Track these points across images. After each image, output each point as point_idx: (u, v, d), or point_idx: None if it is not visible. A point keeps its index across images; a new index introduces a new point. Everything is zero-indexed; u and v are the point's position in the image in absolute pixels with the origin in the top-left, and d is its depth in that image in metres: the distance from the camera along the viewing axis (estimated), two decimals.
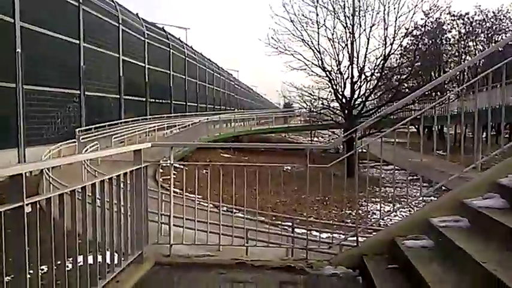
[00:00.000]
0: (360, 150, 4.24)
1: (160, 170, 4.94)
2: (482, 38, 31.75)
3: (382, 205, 12.89)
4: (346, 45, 19.47)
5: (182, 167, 5.19)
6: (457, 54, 32.67)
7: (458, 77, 27.28)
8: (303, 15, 20.85)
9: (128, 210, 3.56)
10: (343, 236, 4.58)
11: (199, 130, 24.52)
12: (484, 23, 31.03)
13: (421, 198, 4.68)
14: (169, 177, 4.50)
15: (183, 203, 4.55)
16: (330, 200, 12.67)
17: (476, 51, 32.06)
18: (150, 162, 3.89)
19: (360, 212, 11.92)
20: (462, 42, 31.87)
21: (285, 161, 21.31)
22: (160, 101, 31.29)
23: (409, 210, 9.22)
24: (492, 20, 30.70)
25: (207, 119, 27.66)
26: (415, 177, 19.31)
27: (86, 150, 16.19)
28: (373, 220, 10.49)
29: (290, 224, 7.86)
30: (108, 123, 21.96)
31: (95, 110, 22.03)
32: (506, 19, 30.56)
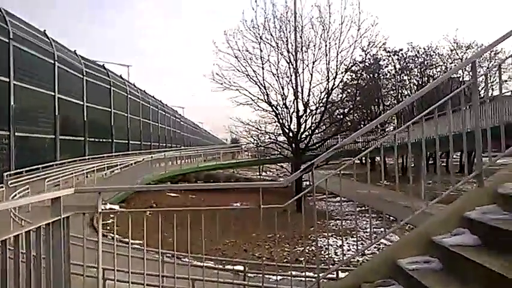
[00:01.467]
0: (306, 184, 3.87)
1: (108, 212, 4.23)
2: (415, 73, 33.78)
3: (339, 241, 12.71)
4: (291, 80, 19.74)
5: (117, 212, 4.52)
6: (393, 88, 34.37)
7: (398, 111, 28.51)
8: (247, 51, 20.99)
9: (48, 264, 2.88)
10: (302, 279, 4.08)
11: (143, 169, 23.40)
12: (416, 59, 33.11)
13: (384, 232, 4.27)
14: (110, 222, 3.85)
15: (113, 252, 3.89)
16: (282, 238, 12.19)
17: (411, 85, 33.98)
18: (71, 212, 3.22)
19: (314, 249, 11.49)
20: (398, 77, 33.67)
21: (235, 198, 20.74)
22: (101, 140, 29.80)
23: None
24: (423, 55, 32.85)
25: (151, 157, 26.57)
26: (362, 208, 19.50)
27: (14, 196, 14.66)
28: (335, 260, 10.20)
29: (241, 268, 7.22)
30: (42, 165, 20.31)
31: (27, 152, 20.35)
32: (436, 55, 32.84)
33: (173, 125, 51.42)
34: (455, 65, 30.64)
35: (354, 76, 26.56)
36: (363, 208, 19.32)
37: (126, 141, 34.64)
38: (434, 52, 32.64)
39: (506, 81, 25.88)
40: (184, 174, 29.75)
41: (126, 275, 3.92)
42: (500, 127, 3.57)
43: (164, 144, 45.01)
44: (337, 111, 24.89)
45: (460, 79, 30.73)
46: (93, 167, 21.78)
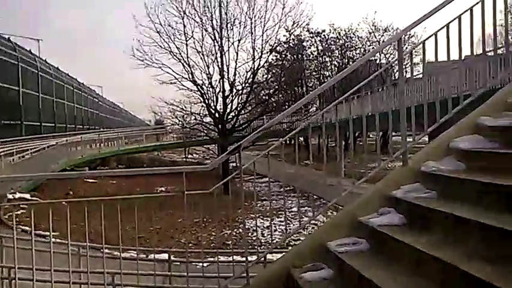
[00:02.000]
0: (233, 166, 3.70)
1: (6, 206, 3.71)
2: (336, 54, 34.95)
3: (268, 221, 12.73)
4: (216, 58, 19.29)
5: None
6: (316, 69, 35.29)
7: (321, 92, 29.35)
8: (170, 26, 20.08)
9: None
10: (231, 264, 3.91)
11: (58, 153, 21.69)
12: (337, 40, 34.20)
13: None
14: (18, 212, 3.34)
15: (13, 246, 3.46)
16: (209, 222, 12.00)
17: (332, 66, 35.12)
18: None
19: (241, 231, 11.44)
20: (320, 58, 34.60)
21: (160, 182, 20.00)
22: (9, 122, 27.06)
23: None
24: (344, 37, 34.01)
25: (66, 140, 24.72)
26: (288, 188, 19.91)
27: None
28: (263, 241, 10.15)
29: (166, 257, 6.88)
30: None
31: None
32: (355, 37, 34.19)
33: (91, 105, 48.32)
34: (373, 48, 32.14)
35: (278, 57, 26.76)
36: (289, 188, 19.82)
37: (39, 124, 31.84)
38: (354, 34, 33.97)
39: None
40: (104, 158, 28.17)
41: (37, 272, 3.50)
42: (424, 106, 3.60)
43: (81, 127, 42.22)
44: (263, 91, 24.98)
45: (377, 61, 32.43)
46: None
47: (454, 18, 3.53)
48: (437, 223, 2.85)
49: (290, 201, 17.11)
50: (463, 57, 3.76)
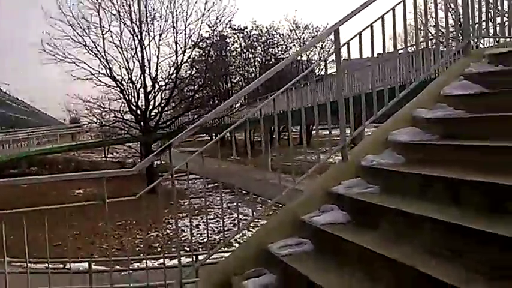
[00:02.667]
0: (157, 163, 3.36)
1: None
2: (259, 51, 35.21)
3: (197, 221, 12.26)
4: (136, 52, 18.28)
5: None
6: (240, 65, 35.28)
7: (243, 86, 29.35)
8: (84, 19, 18.64)
9: None
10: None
11: None
12: (260, 37, 34.44)
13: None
14: None
15: None
16: (134, 224, 11.31)
17: (256, 63, 35.35)
18: None
19: (169, 232, 10.92)
20: (243, 55, 34.63)
21: (78, 185, 18.51)
22: None
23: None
24: (266, 34, 34.36)
25: None
26: (215, 184, 19.59)
27: None
28: (194, 242, 9.63)
29: (86, 266, 6.24)
30: None
31: None
32: (277, 34, 34.69)
33: None
34: (294, 45, 32.88)
35: (202, 52, 26.27)
36: (216, 184, 19.52)
37: None
38: (275, 32, 34.45)
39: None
40: (12, 161, 25.59)
41: None
42: (361, 97, 3.50)
43: None
44: (187, 87, 24.30)
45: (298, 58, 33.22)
46: None
47: (388, 10, 3.47)
48: (383, 219, 2.73)
49: (219, 198, 16.85)
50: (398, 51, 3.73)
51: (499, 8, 4.14)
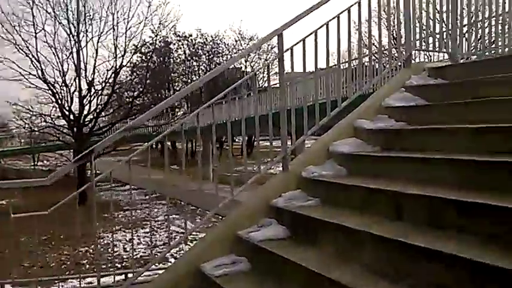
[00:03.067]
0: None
1: None
2: (204, 59, 34.77)
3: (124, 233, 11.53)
4: (72, 54, 17.18)
5: None
6: (184, 73, 34.60)
7: (187, 95, 28.81)
8: (14, 14, 17.27)
9: None
10: None
11: None
12: (205, 46, 34.00)
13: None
14: None
15: None
16: (59, 238, 10.44)
17: (200, 71, 34.87)
18: None
19: (100, 247, 10.17)
20: (188, 62, 33.99)
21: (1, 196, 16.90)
22: None
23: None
24: (211, 43, 34.02)
25: None
26: (154, 195, 18.85)
27: None
28: (125, 257, 8.96)
29: None
30: None
31: None
32: (222, 44, 34.46)
33: None
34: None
35: (144, 58, 25.41)
36: (155, 195, 18.72)
37: None
38: (221, 41, 34.20)
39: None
40: None
41: None
42: (304, 106, 3.35)
43: None
44: (127, 93, 23.33)
45: (242, 69, 33.32)
46: None
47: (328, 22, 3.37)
48: (324, 234, 2.56)
49: (156, 210, 16.15)
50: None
51: (437, 24, 4.22)
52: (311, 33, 3.19)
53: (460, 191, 2.20)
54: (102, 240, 11.03)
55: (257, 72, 32.29)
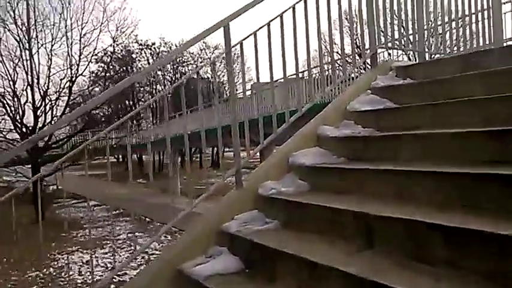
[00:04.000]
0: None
1: None
2: (168, 69, 34.03)
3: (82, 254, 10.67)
4: (22, 62, 16.07)
5: None
6: (148, 83, 33.75)
7: (152, 106, 28.05)
8: None
9: None
10: None
11: None
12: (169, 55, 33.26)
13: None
14: None
15: None
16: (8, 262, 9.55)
17: (165, 81, 34.10)
18: None
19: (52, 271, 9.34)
20: (152, 72, 33.12)
21: None
22: None
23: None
24: (176, 53, 33.39)
25: None
26: (116, 211, 17.93)
27: None
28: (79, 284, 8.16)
29: None
30: None
31: None
32: (187, 53, 33.80)
33: None
34: (204, 65, 32.20)
35: (105, 67, 24.48)
36: (119, 211, 17.79)
37: None
38: (185, 50, 33.56)
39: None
40: None
41: None
42: (259, 118, 2.91)
43: None
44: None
45: (209, 79, 32.79)
46: None
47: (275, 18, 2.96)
48: (283, 268, 2.10)
49: (119, 228, 15.23)
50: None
51: (403, 19, 3.90)
52: (263, 26, 2.76)
53: (443, 211, 1.81)
54: (56, 262, 10.19)
55: (224, 82, 31.95)
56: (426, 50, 3.83)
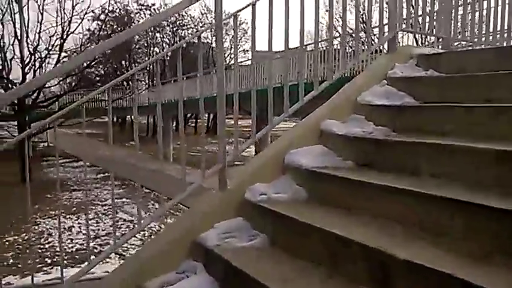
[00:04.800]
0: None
1: None
2: (168, 32, 32.92)
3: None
4: (12, 17, 15.20)
5: None
6: (146, 44, 32.74)
7: (148, 68, 27.25)
8: None
9: None
10: None
11: None
12: (169, 18, 32.13)
13: None
14: None
15: None
16: None
17: (164, 44, 33.06)
18: None
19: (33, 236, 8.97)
20: (150, 34, 32.06)
21: None
22: None
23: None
24: (176, 15, 32.17)
25: None
26: (106, 174, 17.52)
27: None
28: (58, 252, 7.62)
29: None
30: None
31: None
32: (188, 16, 32.66)
33: None
34: (205, 30, 31.11)
35: (103, 26, 23.57)
36: (106, 174, 17.36)
37: None
38: (186, 13, 32.40)
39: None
40: None
41: None
42: (252, 92, 2.42)
43: None
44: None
45: (209, 44, 31.78)
46: None
47: None
48: None
49: (106, 192, 14.88)
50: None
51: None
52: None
53: (481, 265, 1.36)
54: (36, 227, 9.83)
55: (225, 49, 31.00)
56: (452, 36, 3.31)
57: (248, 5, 2.25)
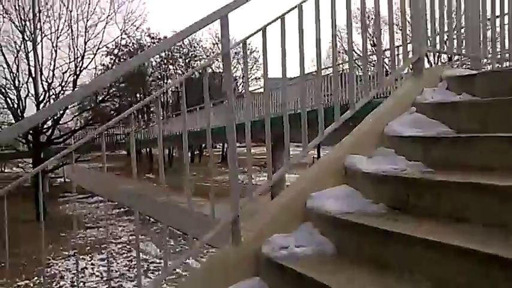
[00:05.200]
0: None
1: None
2: (180, 63, 33.33)
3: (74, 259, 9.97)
4: (27, 55, 15.45)
5: None
6: (159, 76, 33.15)
7: (162, 100, 27.42)
8: None
9: None
10: None
11: None
12: (181, 49, 32.59)
13: None
14: None
15: None
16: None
17: (177, 75, 33.44)
18: None
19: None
20: (163, 66, 32.50)
21: None
22: None
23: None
24: (188, 46, 32.62)
25: None
26: (121, 209, 17.27)
27: None
28: None
29: None
30: None
31: None
32: (199, 47, 33.09)
33: None
34: (217, 59, 31.44)
35: (117, 60, 23.97)
36: (123, 209, 17.11)
37: None
38: (198, 44, 32.86)
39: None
40: None
41: None
42: (246, 123, 2.13)
43: None
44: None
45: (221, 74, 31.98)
46: None
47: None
48: None
49: (121, 229, 14.56)
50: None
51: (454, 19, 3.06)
52: (276, 19, 1.98)
53: None
54: (49, 269, 9.56)
55: (237, 78, 31.15)
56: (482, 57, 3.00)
57: (258, 30, 1.99)
